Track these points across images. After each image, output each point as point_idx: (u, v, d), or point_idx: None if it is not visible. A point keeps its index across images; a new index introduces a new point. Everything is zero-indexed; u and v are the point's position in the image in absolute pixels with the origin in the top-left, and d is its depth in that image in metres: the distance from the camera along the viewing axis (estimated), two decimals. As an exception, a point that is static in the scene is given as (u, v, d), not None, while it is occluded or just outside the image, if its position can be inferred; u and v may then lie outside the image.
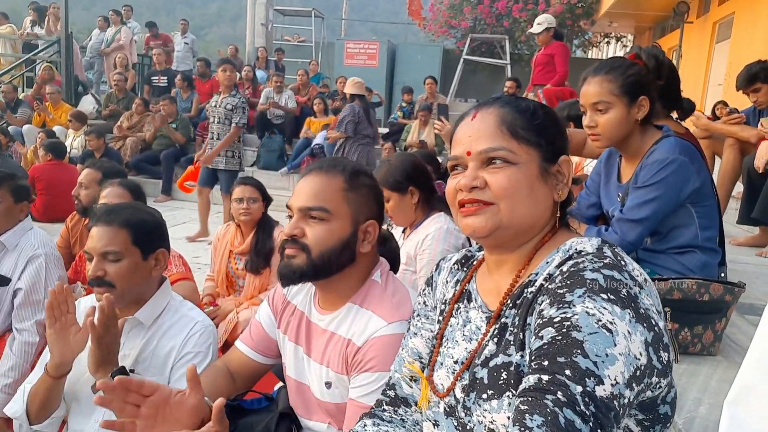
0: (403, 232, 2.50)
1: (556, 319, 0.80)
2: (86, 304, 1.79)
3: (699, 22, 10.61)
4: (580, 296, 0.80)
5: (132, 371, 1.62)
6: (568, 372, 0.74)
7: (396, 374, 1.15)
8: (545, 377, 0.76)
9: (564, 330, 0.78)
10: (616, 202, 1.85)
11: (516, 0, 12.75)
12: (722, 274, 1.82)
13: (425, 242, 2.29)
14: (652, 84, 1.75)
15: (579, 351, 0.75)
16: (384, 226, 3.00)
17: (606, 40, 16.11)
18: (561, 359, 0.76)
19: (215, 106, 5.80)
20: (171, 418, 1.09)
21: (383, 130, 8.66)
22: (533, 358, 0.80)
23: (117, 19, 10.65)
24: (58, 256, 2.47)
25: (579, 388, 0.73)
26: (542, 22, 6.04)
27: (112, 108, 8.92)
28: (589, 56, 17.30)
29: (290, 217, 1.32)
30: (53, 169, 6.15)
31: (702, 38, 10.34)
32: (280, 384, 1.63)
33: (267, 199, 3.24)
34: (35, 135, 7.76)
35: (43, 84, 8.97)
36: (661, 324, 0.83)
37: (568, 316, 0.79)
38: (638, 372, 0.77)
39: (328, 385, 1.33)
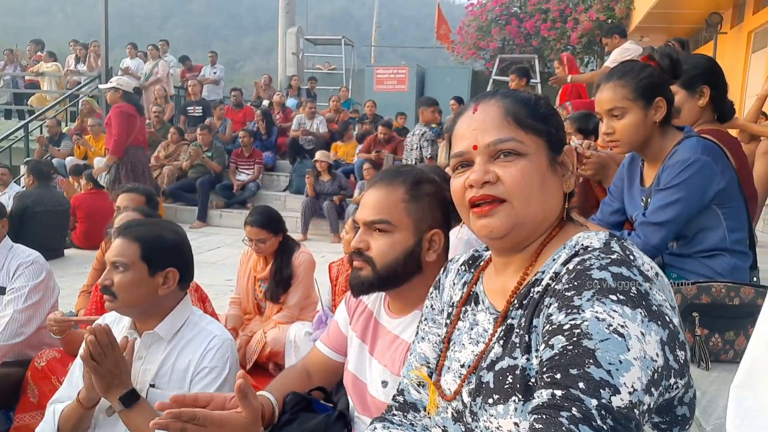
0: None
1: (565, 327, 0.77)
2: (111, 319, 1.83)
3: (733, 32, 10.37)
4: (588, 299, 0.77)
5: (152, 386, 1.64)
6: (581, 385, 0.71)
7: (404, 380, 1.13)
8: (558, 392, 0.72)
9: (575, 339, 0.75)
10: (639, 207, 1.80)
11: (544, 19, 12.72)
12: (754, 278, 1.73)
13: None
14: (667, 85, 1.71)
15: (591, 361, 0.72)
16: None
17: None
18: (574, 371, 0.72)
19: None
20: (229, 424, 1.10)
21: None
22: (545, 369, 0.76)
23: (155, 53, 11.06)
24: (45, 262, 2.63)
25: (594, 402, 0.70)
26: (113, 80, 6.03)
27: (152, 132, 9.22)
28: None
29: (358, 229, 1.37)
30: (93, 198, 6.36)
31: (737, 49, 10.09)
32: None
33: (281, 231, 3.18)
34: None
35: (85, 118, 9.34)
36: (676, 320, 0.79)
37: (578, 322, 0.75)
38: (656, 375, 0.73)
39: (384, 384, 1.34)
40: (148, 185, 5.84)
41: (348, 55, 15.08)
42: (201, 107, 9.93)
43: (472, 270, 1.09)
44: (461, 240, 2.29)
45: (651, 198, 1.74)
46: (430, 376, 1.07)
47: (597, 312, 0.75)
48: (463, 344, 1.00)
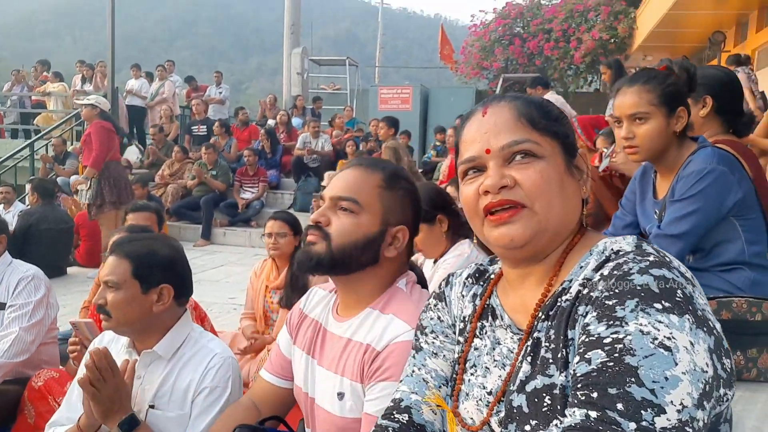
0: (435, 262, 2.44)
1: (606, 340, 0.71)
2: (109, 338, 1.78)
3: (736, 50, 10.39)
4: (632, 310, 0.71)
5: (152, 407, 1.58)
6: (620, 406, 0.65)
7: (413, 396, 1.00)
8: (594, 413, 0.67)
9: (616, 354, 0.69)
10: (653, 219, 1.75)
11: (547, 39, 12.81)
12: (776, 293, 1.67)
13: (441, 265, 2.25)
14: (687, 96, 1.68)
15: (633, 379, 0.66)
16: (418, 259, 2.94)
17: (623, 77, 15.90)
18: (612, 390, 0.67)
19: None
20: None
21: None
22: (580, 386, 0.70)
23: (163, 73, 11.15)
24: (45, 277, 2.60)
25: (632, 425, 0.64)
26: (91, 98, 6.10)
27: (154, 150, 9.26)
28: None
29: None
30: (96, 216, 6.34)
31: (742, 67, 10.10)
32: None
33: (299, 233, 3.22)
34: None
35: (90, 137, 9.38)
36: (718, 326, 0.74)
37: (621, 337, 0.69)
38: (707, 387, 0.67)
39: (341, 396, 1.24)
40: (130, 200, 5.90)
41: (352, 76, 15.18)
42: (205, 126, 9.96)
43: (481, 283, 1.02)
44: (461, 257, 2.25)
45: (665, 210, 1.69)
46: (447, 402, 0.97)
47: (641, 324, 0.69)
48: (486, 367, 0.92)
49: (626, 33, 12.08)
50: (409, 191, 1.30)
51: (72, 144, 10.08)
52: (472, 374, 0.94)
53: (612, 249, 0.82)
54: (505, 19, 13.60)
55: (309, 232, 1.25)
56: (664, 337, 0.68)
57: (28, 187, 6.69)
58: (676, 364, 0.66)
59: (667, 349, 0.67)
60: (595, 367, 0.70)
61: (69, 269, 6.15)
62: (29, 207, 6.35)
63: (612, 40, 12.25)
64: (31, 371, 2.49)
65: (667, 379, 0.66)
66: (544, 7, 13.39)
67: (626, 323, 0.70)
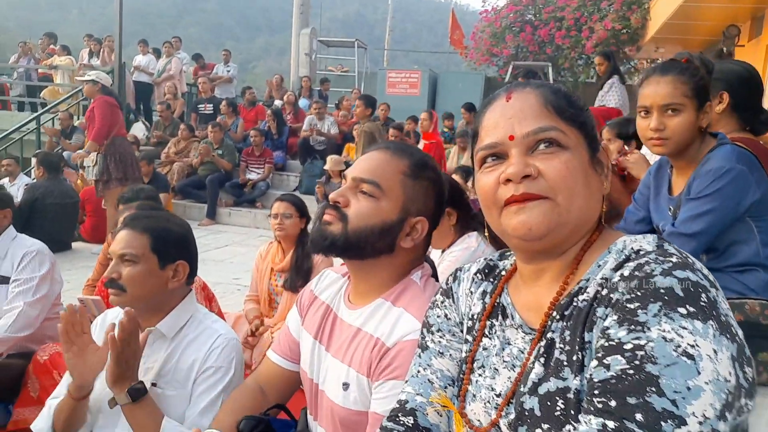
0: (442, 252, 2.44)
1: (627, 346, 0.68)
2: (113, 315, 1.77)
3: (751, 45, 10.26)
4: (655, 315, 0.68)
5: (154, 385, 1.58)
6: (639, 417, 0.63)
7: (418, 398, 0.97)
8: (611, 423, 0.65)
9: (637, 362, 0.66)
10: (667, 216, 1.73)
11: (559, 27, 12.64)
12: (790, 295, 1.65)
13: (447, 257, 2.23)
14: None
15: (654, 389, 0.64)
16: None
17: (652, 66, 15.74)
18: (632, 400, 0.65)
19: None
20: None
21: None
22: (597, 392, 0.68)
23: (170, 50, 11.07)
24: (49, 252, 2.59)
25: None
26: (92, 74, 6.05)
27: (159, 135, 9.22)
28: (635, 83, 16.95)
29: None
30: (102, 192, 6.33)
31: (755, 62, 9.97)
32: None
33: (305, 216, 3.22)
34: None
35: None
36: (740, 332, 0.71)
37: (642, 343, 0.67)
38: (730, 397, 0.65)
39: (346, 386, 1.21)
40: (137, 176, 5.93)
41: (361, 58, 15.06)
42: (212, 105, 9.92)
43: (491, 280, 0.98)
44: (467, 250, 2.24)
45: (680, 207, 1.66)
46: (453, 403, 0.95)
47: (664, 331, 0.67)
48: (495, 368, 0.89)
49: (639, 24, 11.90)
50: (433, 182, 1.25)
51: (78, 118, 10.05)
52: (479, 375, 0.91)
53: (632, 248, 0.79)
54: (516, 6, 13.43)
55: (326, 211, 1.22)
56: (688, 344, 0.66)
57: (34, 160, 6.69)
58: (699, 374, 0.64)
59: (690, 357, 0.65)
60: (614, 374, 0.67)
61: (74, 244, 6.16)
62: (35, 180, 6.35)
63: (624, 31, 12.08)
64: (35, 346, 2.50)
65: (689, 389, 0.63)
66: (556, -5, 13.22)
67: (648, 329, 0.68)
